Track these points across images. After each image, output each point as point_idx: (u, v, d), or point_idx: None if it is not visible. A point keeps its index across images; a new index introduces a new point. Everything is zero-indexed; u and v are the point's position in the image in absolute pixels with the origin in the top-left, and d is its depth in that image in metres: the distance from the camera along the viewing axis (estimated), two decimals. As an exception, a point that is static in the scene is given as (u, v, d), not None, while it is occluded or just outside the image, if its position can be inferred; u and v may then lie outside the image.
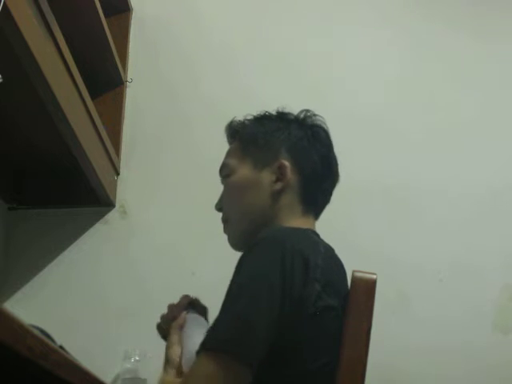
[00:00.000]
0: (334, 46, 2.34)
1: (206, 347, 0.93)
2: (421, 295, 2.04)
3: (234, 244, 1.21)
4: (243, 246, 1.18)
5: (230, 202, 1.22)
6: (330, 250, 1.09)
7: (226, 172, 1.23)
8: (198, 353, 0.94)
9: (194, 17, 2.35)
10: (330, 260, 1.07)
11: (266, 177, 1.17)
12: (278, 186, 1.16)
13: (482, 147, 2.22)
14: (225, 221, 1.23)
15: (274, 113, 1.25)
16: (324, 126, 1.24)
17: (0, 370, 0.71)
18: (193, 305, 1.21)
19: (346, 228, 2.02)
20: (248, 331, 0.92)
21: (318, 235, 1.14)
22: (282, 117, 1.24)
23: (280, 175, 1.16)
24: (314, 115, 1.24)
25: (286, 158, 1.17)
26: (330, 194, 1.24)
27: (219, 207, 1.24)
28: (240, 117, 1.27)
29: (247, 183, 1.18)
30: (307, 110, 1.24)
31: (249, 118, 1.26)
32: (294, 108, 1.26)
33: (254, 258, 1.00)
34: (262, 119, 1.25)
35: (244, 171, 1.19)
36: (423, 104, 2.27)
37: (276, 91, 2.12)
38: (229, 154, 1.25)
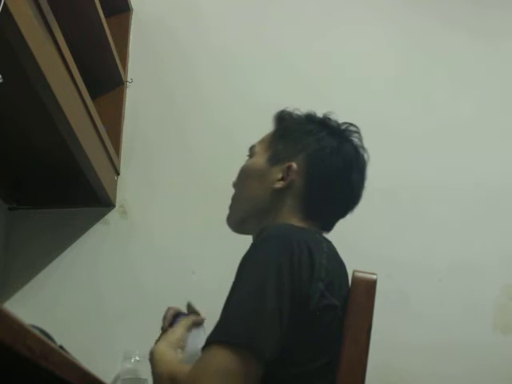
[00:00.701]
0: (333, 45, 2.34)
1: (220, 340, 0.91)
2: (421, 295, 2.04)
3: (230, 223, 1.24)
4: (238, 228, 1.23)
5: (238, 184, 1.25)
6: (332, 250, 1.10)
7: (250, 153, 1.26)
8: (209, 344, 0.91)
9: (194, 17, 2.35)
10: (333, 259, 1.07)
11: (274, 173, 1.18)
12: (279, 184, 1.16)
13: (482, 147, 2.22)
14: (232, 199, 1.26)
15: (319, 115, 1.25)
16: (359, 144, 1.22)
17: (0, 370, 0.71)
18: (181, 313, 1.20)
19: (346, 228, 2.00)
20: (264, 328, 0.92)
21: (321, 234, 1.14)
22: (321, 122, 1.23)
23: (285, 176, 1.17)
24: (356, 132, 1.22)
25: (300, 161, 1.17)
26: (345, 210, 1.23)
27: (235, 184, 1.27)
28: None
29: (256, 172, 1.21)
30: (351, 124, 1.23)
31: (297, 112, 1.26)
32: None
33: (263, 252, 0.99)
34: (304, 118, 1.25)
35: (259, 160, 1.21)
36: (423, 104, 2.27)
37: (275, 92, 2.11)
38: (262, 138, 1.27)
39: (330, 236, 1.13)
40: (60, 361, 0.74)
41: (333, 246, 1.11)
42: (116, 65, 2.13)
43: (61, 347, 0.98)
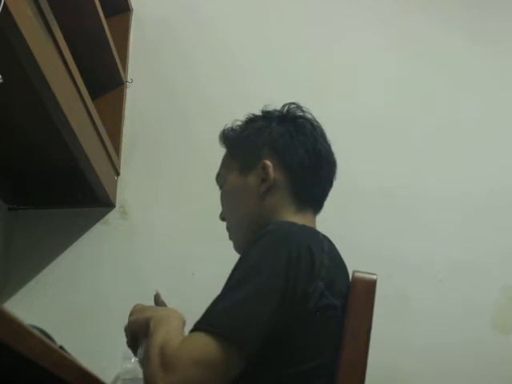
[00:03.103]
0: (333, 46, 2.34)
1: (205, 328, 0.91)
2: (421, 295, 2.04)
3: (239, 250, 1.21)
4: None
5: (226, 212, 1.24)
6: (333, 249, 1.09)
7: (220, 182, 1.25)
8: (194, 330, 0.91)
9: (194, 17, 2.35)
10: (334, 259, 1.07)
11: (253, 180, 1.17)
12: (264, 187, 1.16)
13: (481, 148, 2.22)
14: (228, 229, 1.24)
15: (258, 114, 1.25)
16: (309, 116, 1.23)
17: (0, 370, 0.71)
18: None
19: (346, 228, 2.02)
20: (250, 322, 0.92)
21: (319, 233, 1.13)
22: (265, 115, 1.24)
23: (264, 176, 1.16)
24: (299, 107, 1.23)
25: (268, 157, 1.17)
26: (330, 182, 1.22)
27: (222, 217, 1.25)
28: (237, 119, 1.27)
29: (236, 190, 1.20)
30: (291, 103, 1.23)
31: (238, 123, 1.26)
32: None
33: (261, 248, 0.99)
34: (248, 122, 1.25)
35: (232, 178, 1.21)
36: (423, 105, 2.27)
37: (276, 92, 2.11)
38: (221, 163, 1.27)
39: (329, 236, 1.12)
40: (60, 361, 0.74)
41: (334, 245, 1.11)
42: (116, 65, 2.13)
43: (61, 347, 0.98)
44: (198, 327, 0.92)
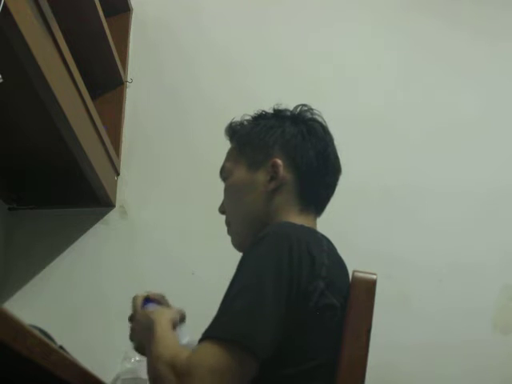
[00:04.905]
0: (333, 46, 2.34)
1: (216, 336, 0.90)
2: (421, 295, 2.04)
3: (238, 245, 1.21)
4: (246, 247, 1.18)
5: (229, 205, 1.23)
6: (332, 249, 1.09)
7: (224, 175, 1.24)
8: (205, 339, 0.91)
9: (194, 17, 2.35)
10: (334, 259, 1.07)
11: (261, 177, 1.17)
12: (272, 185, 1.16)
13: (482, 147, 2.22)
14: (227, 223, 1.23)
15: (270, 111, 1.25)
16: (320, 119, 1.23)
17: (0, 370, 0.71)
18: (149, 299, 1.20)
19: (346, 228, 2.02)
20: (261, 327, 0.91)
21: (317, 232, 1.13)
22: (277, 114, 1.24)
23: (274, 174, 1.16)
24: (310, 109, 1.23)
25: (279, 155, 1.17)
26: (334, 188, 1.23)
27: (222, 210, 1.24)
28: (239, 117, 1.27)
29: (242, 185, 1.19)
30: (303, 105, 1.24)
31: (247, 118, 1.26)
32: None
33: (262, 250, 0.99)
34: (258, 119, 1.25)
35: (239, 173, 1.20)
36: (423, 104, 2.27)
37: (276, 92, 2.11)
38: (227, 157, 1.26)
39: (329, 236, 1.12)
40: (60, 361, 0.75)
41: (333, 245, 1.11)
42: (116, 65, 2.13)
43: (61, 347, 0.98)
44: (209, 335, 0.91)
